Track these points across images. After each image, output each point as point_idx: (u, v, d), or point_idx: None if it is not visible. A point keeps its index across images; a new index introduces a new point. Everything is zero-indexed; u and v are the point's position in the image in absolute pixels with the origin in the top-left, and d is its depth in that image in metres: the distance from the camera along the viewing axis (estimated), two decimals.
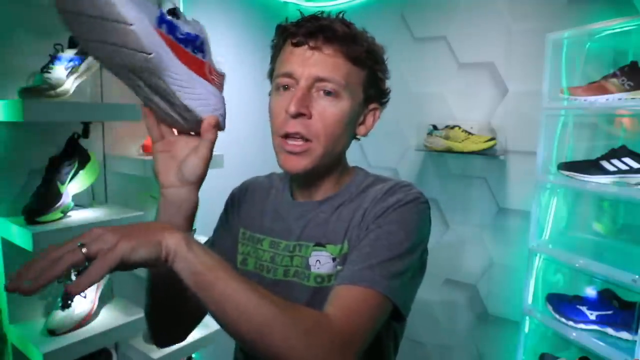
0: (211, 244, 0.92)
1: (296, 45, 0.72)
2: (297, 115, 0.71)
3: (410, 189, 0.78)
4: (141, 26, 0.54)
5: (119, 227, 0.54)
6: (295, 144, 0.73)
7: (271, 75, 0.79)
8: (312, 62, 0.71)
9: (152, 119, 0.67)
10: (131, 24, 0.52)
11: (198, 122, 0.65)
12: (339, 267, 0.75)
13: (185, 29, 0.64)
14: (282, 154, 0.75)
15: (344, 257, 0.75)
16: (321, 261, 0.77)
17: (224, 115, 0.68)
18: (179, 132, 0.70)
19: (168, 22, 0.61)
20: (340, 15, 0.76)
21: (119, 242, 0.50)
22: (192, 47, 0.64)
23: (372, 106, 0.80)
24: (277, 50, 0.78)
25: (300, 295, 0.76)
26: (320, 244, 0.78)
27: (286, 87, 0.73)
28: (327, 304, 0.63)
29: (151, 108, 0.66)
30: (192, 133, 0.69)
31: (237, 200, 0.92)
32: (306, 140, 0.72)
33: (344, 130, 0.75)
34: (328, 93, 0.72)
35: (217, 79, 0.68)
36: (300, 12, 0.77)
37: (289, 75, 0.72)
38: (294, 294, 0.76)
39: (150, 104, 0.65)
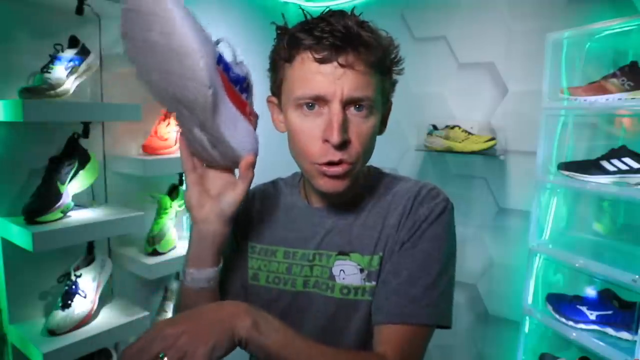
0: (225, 264, 0.81)
1: (321, 62, 0.64)
2: (341, 145, 0.66)
3: (437, 194, 0.75)
4: (209, 61, 0.56)
5: (187, 320, 0.54)
6: (338, 170, 0.68)
7: (278, 87, 0.72)
8: (343, 82, 0.64)
9: (187, 150, 0.68)
10: (201, 57, 0.54)
11: (235, 161, 0.66)
12: (369, 283, 0.71)
13: (236, 70, 0.65)
14: (321, 178, 0.70)
15: (376, 272, 0.72)
16: (346, 271, 0.73)
17: (257, 154, 0.69)
18: (207, 166, 0.70)
19: (224, 62, 0.63)
20: (355, 14, 0.68)
21: (197, 348, 0.51)
22: (240, 88, 0.66)
23: (388, 103, 0.78)
24: (284, 60, 0.69)
25: (324, 307, 0.74)
26: (343, 253, 0.74)
27: (311, 106, 0.67)
28: (380, 344, 0.66)
29: (188, 139, 0.66)
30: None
31: (244, 213, 0.84)
32: (348, 163, 0.68)
33: (375, 141, 0.73)
34: (360, 108, 0.67)
35: (253, 119, 0.69)
36: (304, 12, 0.71)
37: (318, 98, 0.66)
38: (316, 306, 0.74)
39: (189, 135, 0.65)
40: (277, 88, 0.73)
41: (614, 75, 1.36)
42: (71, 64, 1.24)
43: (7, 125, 1.23)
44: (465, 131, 1.74)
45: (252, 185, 0.89)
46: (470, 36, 1.81)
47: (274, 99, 0.76)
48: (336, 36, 0.63)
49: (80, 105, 1.27)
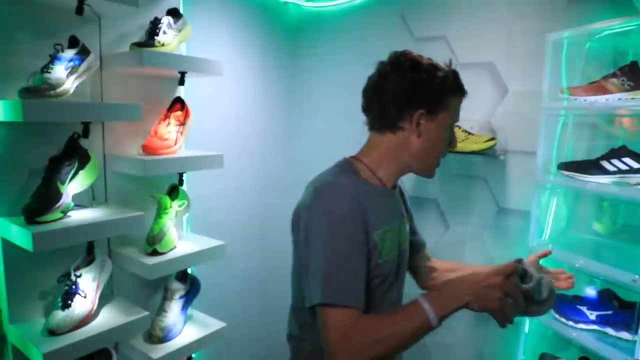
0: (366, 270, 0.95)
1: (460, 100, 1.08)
2: None
3: None
4: None
5: None
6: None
7: (436, 110, 1.01)
8: None
9: None
10: None
11: None
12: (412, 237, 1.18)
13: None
14: (433, 169, 1.07)
15: (411, 227, 1.19)
16: (407, 229, 1.12)
17: None
18: None
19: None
20: None
21: None
22: None
23: None
24: (451, 95, 1.04)
25: (406, 257, 1.11)
26: (404, 218, 1.11)
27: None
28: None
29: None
30: None
31: (361, 214, 0.94)
32: None
33: None
34: None
35: None
36: (454, 71, 1.07)
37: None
38: (405, 258, 1.10)
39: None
40: (435, 110, 1.01)
41: (614, 75, 1.36)
42: (71, 64, 1.24)
43: (7, 125, 1.23)
44: (465, 131, 1.74)
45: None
46: (470, 36, 1.81)
47: (422, 111, 0.99)
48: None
49: (80, 105, 1.27)
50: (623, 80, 1.33)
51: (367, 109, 1.04)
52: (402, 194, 1.19)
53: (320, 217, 0.91)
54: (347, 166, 1.03)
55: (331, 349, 0.83)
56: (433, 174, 1.07)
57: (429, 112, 0.99)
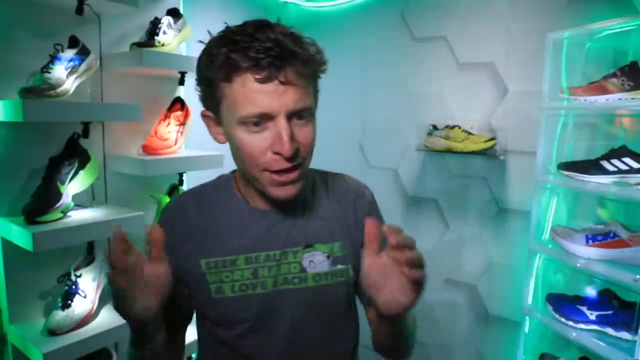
0: (182, 289, 0.80)
1: (262, 81, 0.66)
2: (293, 156, 0.70)
3: (363, 184, 0.91)
4: None
5: None
6: (289, 176, 0.72)
7: (216, 104, 0.72)
8: (286, 98, 0.67)
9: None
10: None
11: None
12: (339, 266, 0.81)
13: None
14: (272, 187, 0.73)
15: (342, 257, 0.82)
16: (315, 261, 0.80)
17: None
18: None
19: None
20: (280, 24, 0.72)
21: None
22: None
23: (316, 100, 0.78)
24: (221, 80, 0.69)
25: (300, 299, 0.79)
26: (309, 245, 0.80)
27: (257, 123, 0.69)
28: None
29: None
30: None
31: (182, 232, 0.81)
32: (298, 168, 0.73)
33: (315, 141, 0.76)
34: (302, 117, 0.71)
35: None
36: (250, 35, 0.68)
37: (263, 115, 0.68)
38: (291, 300, 0.79)
39: None
40: (214, 104, 0.73)
41: (614, 75, 1.36)
42: (71, 64, 1.24)
43: (7, 125, 1.23)
44: (465, 131, 1.74)
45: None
46: (470, 36, 1.81)
47: (210, 114, 0.76)
48: (273, 55, 0.65)
49: (80, 105, 1.27)
50: (623, 80, 1.33)
51: None
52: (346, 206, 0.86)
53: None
54: (219, 180, 0.87)
55: None
56: (272, 194, 0.74)
57: (210, 109, 0.76)
